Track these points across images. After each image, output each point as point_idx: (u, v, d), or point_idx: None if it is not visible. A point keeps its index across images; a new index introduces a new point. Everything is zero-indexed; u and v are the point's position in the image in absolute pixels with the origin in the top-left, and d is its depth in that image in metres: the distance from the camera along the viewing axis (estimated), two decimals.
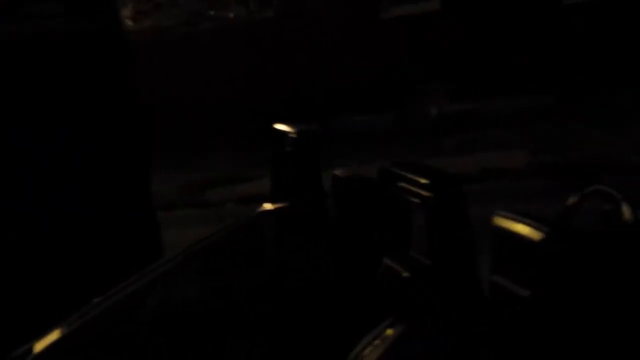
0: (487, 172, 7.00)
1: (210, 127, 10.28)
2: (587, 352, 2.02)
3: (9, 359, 2.52)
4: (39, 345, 2.48)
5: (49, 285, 3.69)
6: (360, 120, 9.48)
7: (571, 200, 2.60)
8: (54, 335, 2.51)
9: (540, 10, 8.96)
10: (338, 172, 2.75)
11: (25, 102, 3.79)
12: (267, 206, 2.85)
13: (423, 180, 2.16)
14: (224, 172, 8.76)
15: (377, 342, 2.07)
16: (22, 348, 2.52)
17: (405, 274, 2.15)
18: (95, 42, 3.81)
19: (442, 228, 2.15)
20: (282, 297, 2.70)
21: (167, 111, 10.03)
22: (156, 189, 4.29)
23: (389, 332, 2.08)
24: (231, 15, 10.94)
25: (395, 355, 2.04)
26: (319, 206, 2.80)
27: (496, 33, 9.27)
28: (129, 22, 10.68)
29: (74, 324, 2.48)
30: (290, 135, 2.81)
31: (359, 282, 2.54)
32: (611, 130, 7.43)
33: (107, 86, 3.86)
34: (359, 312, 2.40)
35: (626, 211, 2.45)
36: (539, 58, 8.97)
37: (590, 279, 2.10)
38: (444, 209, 2.15)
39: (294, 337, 2.66)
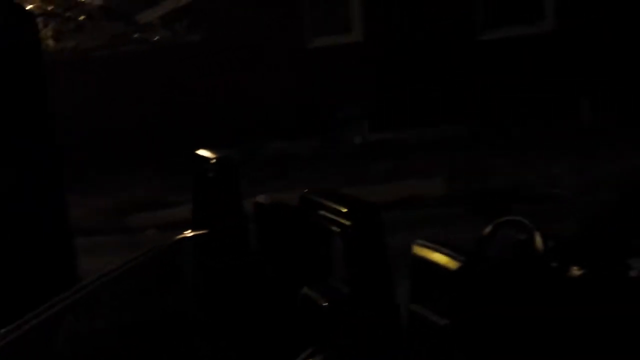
0: (405, 200, 7.12)
1: (133, 151, 10.13)
2: None
3: None
4: None
5: None
6: (285, 146, 9.52)
7: (486, 229, 2.67)
8: None
9: (456, 44, 9.25)
10: (260, 198, 2.74)
11: None
12: (187, 233, 2.81)
13: (342, 209, 2.18)
14: (146, 197, 8.62)
15: None
16: None
17: (324, 303, 2.14)
18: (11, 61, 3.69)
19: (360, 256, 2.17)
20: (199, 326, 2.66)
21: (90, 134, 9.83)
22: (74, 213, 4.17)
23: None
24: (156, 38, 10.84)
25: None
26: (239, 233, 2.78)
27: (415, 65, 9.50)
28: (50, 42, 10.44)
29: None
30: (211, 160, 2.79)
31: (278, 311, 2.52)
32: (520, 160, 7.69)
33: (22, 106, 3.74)
34: (279, 341, 2.39)
35: (538, 241, 2.53)
36: (455, 90, 9.23)
37: (503, 306, 2.15)
38: (362, 237, 2.17)
39: None
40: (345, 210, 2.16)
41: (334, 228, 2.22)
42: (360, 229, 2.17)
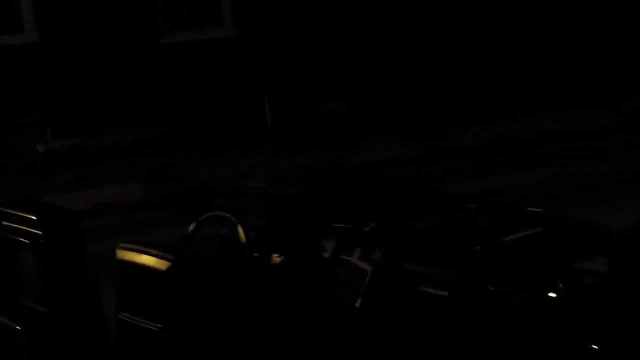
0: (102, 207, 6.85)
1: None
2: None
3: None
4: None
5: None
6: None
7: (190, 227, 2.67)
8: None
9: (139, 47, 9.17)
10: None
11: None
12: None
13: (31, 216, 2.00)
14: None
15: None
16: None
17: (17, 327, 1.94)
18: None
19: (57, 269, 2.01)
20: None
21: None
22: None
23: None
24: None
25: None
26: None
27: (99, 68, 9.20)
28: None
29: None
30: None
31: None
32: (215, 159, 7.86)
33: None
34: None
35: (241, 233, 2.60)
36: (143, 93, 9.13)
37: (207, 298, 2.14)
38: (58, 247, 2.01)
39: None
40: (34, 218, 1.98)
41: (22, 239, 2.03)
42: (54, 238, 2.01)
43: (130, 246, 2.10)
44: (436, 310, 2.07)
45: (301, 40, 9.47)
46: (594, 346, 1.98)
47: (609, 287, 2.19)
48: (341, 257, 2.37)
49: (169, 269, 2.04)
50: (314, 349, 2.20)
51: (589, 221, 2.73)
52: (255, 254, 2.56)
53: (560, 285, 2.10)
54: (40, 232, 1.97)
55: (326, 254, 2.44)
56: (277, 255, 2.57)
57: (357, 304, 2.20)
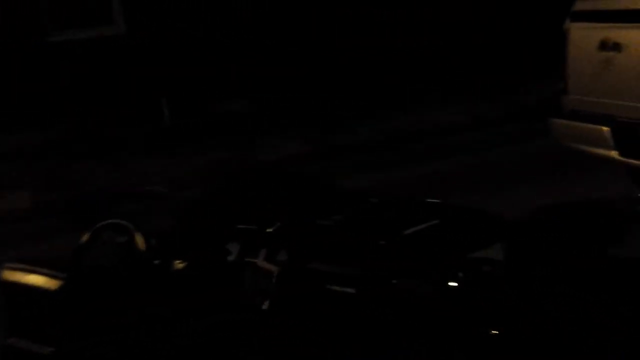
0: None
1: None
2: None
3: None
4: None
5: None
6: None
7: (84, 237, 2.54)
8: None
9: (26, 45, 8.79)
10: None
11: None
12: None
13: None
14: None
15: None
16: None
17: None
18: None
19: None
20: None
21: None
22: None
23: None
24: None
25: None
26: None
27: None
28: None
29: None
30: None
31: None
32: (111, 163, 7.61)
33: None
34: None
35: (139, 241, 2.50)
36: (34, 95, 8.76)
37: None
38: None
39: None
40: None
41: None
42: None
43: (17, 265, 1.96)
44: (343, 308, 2.05)
45: (195, 38, 9.33)
46: (494, 331, 2.02)
47: (505, 274, 2.24)
48: (246, 259, 2.33)
49: (61, 287, 1.92)
50: (223, 355, 2.15)
51: (485, 210, 2.78)
52: (156, 262, 2.47)
53: (460, 274, 2.13)
54: None
55: (231, 257, 2.38)
56: (179, 261, 2.49)
57: (265, 307, 2.16)
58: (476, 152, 7.09)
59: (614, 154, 4.55)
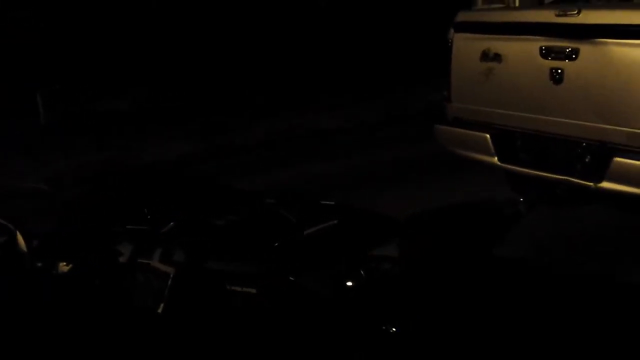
0: None
1: None
2: None
3: None
4: None
5: None
6: None
7: None
8: None
9: None
10: None
11: None
12: None
13: None
14: None
15: None
16: None
17: None
18: None
19: None
20: None
21: None
22: None
23: None
24: None
25: None
26: None
27: None
28: None
29: None
30: None
31: None
32: None
33: None
34: None
35: (20, 241, 2.35)
36: None
37: None
38: None
39: None
40: None
41: None
42: None
43: None
44: (245, 308, 2.01)
45: (75, 32, 8.98)
46: (393, 329, 2.04)
47: (401, 271, 2.28)
48: (139, 260, 2.23)
49: None
50: None
51: (377, 211, 2.82)
52: (39, 264, 2.34)
53: (362, 272, 2.15)
54: None
55: (122, 259, 2.28)
56: (64, 263, 2.36)
57: (160, 310, 2.08)
58: (360, 154, 7.21)
59: (494, 160, 4.72)
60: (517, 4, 5.29)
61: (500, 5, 5.21)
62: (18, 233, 2.40)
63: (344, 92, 9.41)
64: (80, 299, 2.26)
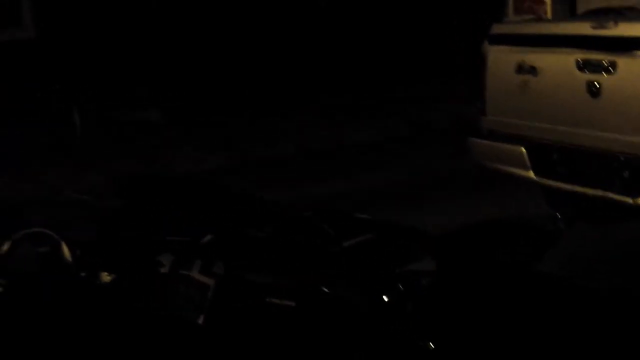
0: None
1: None
2: None
3: None
4: None
5: None
6: None
7: (3, 247, 2.41)
8: None
9: None
10: None
11: None
12: None
13: None
14: None
15: None
16: None
17: None
18: None
19: None
20: None
21: None
22: None
23: None
24: None
25: None
26: None
27: None
28: None
29: None
30: None
31: None
32: (28, 171, 7.30)
33: None
34: None
35: (65, 251, 2.38)
36: None
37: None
38: None
39: None
40: None
41: None
42: None
43: None
44: (284, 321, 2.02)
45: (108, 45, 9.11)
46: (430, 345, 2.04)
47: (439, 285, 2.27)
48: (180, 272, 2.25)
49: None
50: None
51: (413, 225, 2.82)
52: (83, 274, 2.37)
53: (400, 286, 2.15)
54: None
55: (164, 270, 2.30)
56: (107, 273, 2.39)
57: (200, 321, 2.10)
58: (395, 169, 7.20)
59: (530, 174, 4.70)
60: (549, 15, 5.28)
61: (532, 17, 5.20)
62: (63, 243, 2.44)
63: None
64: (123, 309, 2.28)
